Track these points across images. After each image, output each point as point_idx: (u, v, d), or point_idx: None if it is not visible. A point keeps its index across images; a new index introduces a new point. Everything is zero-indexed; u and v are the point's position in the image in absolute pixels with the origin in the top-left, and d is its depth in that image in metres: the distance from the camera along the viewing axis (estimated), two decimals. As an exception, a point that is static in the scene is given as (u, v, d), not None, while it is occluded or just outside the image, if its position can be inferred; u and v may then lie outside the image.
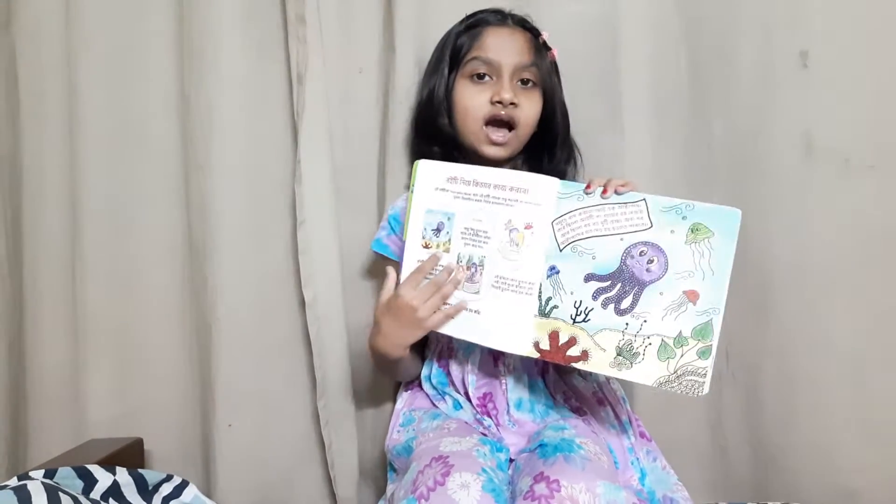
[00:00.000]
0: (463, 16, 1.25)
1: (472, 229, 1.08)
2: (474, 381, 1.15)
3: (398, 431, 1.19)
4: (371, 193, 1.38)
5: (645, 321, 0.98)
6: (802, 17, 1.27)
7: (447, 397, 1.18)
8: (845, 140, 1.26)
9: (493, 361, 1.15)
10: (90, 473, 1.03)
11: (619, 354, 0.99)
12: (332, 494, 1.37)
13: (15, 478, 0.95)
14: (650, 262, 0.99)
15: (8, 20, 1.39)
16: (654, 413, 1.29)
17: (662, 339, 0.97)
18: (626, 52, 1.33)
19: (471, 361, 1.16)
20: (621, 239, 1.01)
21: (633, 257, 1.00)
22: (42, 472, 0.98)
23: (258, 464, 1.35)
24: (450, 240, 1.09)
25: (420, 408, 1.20)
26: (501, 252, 1.06)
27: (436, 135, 1.24)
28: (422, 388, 1.22)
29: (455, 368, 1.18)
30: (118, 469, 1.07)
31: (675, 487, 1.13)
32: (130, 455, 1.29)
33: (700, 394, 0.95)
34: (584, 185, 1.03)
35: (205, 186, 1.35)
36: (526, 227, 1.05)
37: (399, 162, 1.34)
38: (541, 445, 0.98)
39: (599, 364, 1.00)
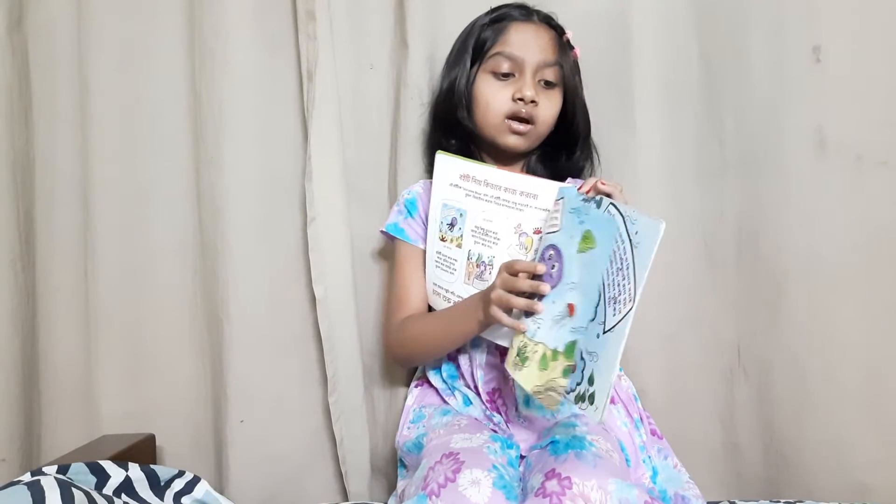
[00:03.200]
0: (476, 11, 1.25)
1: (482, 229, 1.08)
2: (483, 376, 1.15)
3: (409, 428, 1.19)
4: (382, 190, 1.38)
5: (539, 327, 0.94)
6: (815, 11, 1.26)
7: (457, 392, 1.18)
8: (858, 136, 1.25)
9: (500, 357, 1.15)
10: (103, 469, 1.03)
11: (517, 355, 0.97)
12: (344, 490, 1.37)
13: (28, 473, 0.96)
14: (553, 266, 0.95)
15: (20, 19, 1.39)
16: (666, 411, 1.29)
17: (545, 349, 0.93)
18: (638, 47, 1.33)
19: (479, 356, 1.16)
20: (540, 239, 1.00)
21: (544, 260, 0.97)
22: (55, 467, 0.98)
23: (270, 460, 1.35)
24: (461, 236, 1.10)
25: (430, 404, 1.20)
26: (510, 254, 1.06)
27: (454, 127, 1.24)
28: (432, 385, 1.22)
29: (464, 363, 1.18)
30: (130, 465, 1.07)
31: (687, 485, 1.13)
32: (142, 451, 1.29)
33: (556, 413, 0.89)
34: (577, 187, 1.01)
35: (215, 183, 1.35)
36: (535, 233, 1.05)
37: (410, 158, 1.34)
38: (552, 442, 0.98)
39: (508, 362, 0.99)
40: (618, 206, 0.89)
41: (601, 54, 1.34)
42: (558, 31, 1.23)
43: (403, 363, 1.31)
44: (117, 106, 1.40)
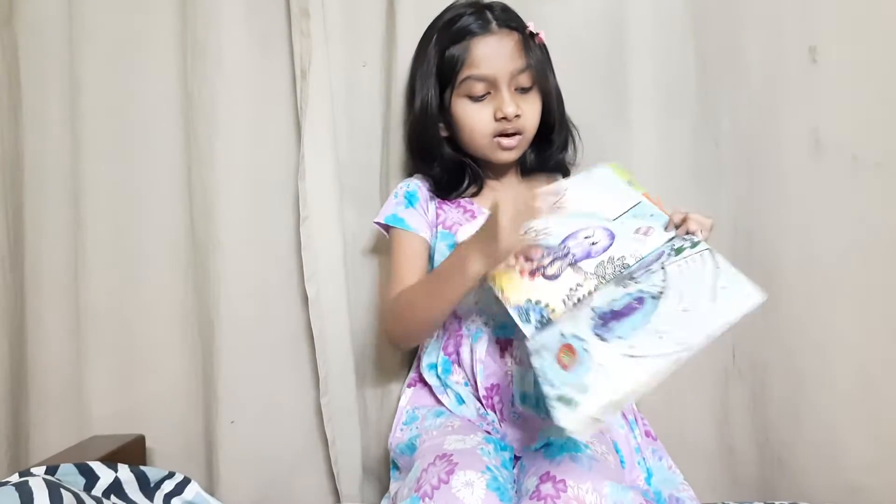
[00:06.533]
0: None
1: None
2: (483, 370, 1.14)
3: (401, 429, 1.18)
4: (375, 189, 1.38)
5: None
6: (811, 11, 1.26)
7: (449, 391, 1.17)
8: (853, 136, 1.25)
9: (500, 352, 1.14)
10: (92, 470, 1.03)
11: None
12: (336, 492, 1.36)
13: (16, 474, 0.95)
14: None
15: (10, 15, 1.38)
16: (660, 412, 1.29)
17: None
18: (634, 45, 1.32)
19: (479, 350, 1.15)
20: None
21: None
22: (44, 468, 0.98)
23: (261, 461, 1.34)
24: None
25: (424, 405, 1.19)
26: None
27: (433, 153, 1.23)
28: (425, 385, 1.21)
29: (465, 357, 1.16)
30: (120, 466, 1.07)
31: (682, 487, 1.12)
32: (132, 452, 1.28)
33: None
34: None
35: (208, 182, 1.34)
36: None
37: (403, 157, 1.33)
38: (547, 444, 0.97)
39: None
40: (715, 257, 0.95)
41: (596, 53, 1.33)
42: (520, 30, 1.18)
43: (402, 340, 1.24)
44: (108, 103, 1.39)
